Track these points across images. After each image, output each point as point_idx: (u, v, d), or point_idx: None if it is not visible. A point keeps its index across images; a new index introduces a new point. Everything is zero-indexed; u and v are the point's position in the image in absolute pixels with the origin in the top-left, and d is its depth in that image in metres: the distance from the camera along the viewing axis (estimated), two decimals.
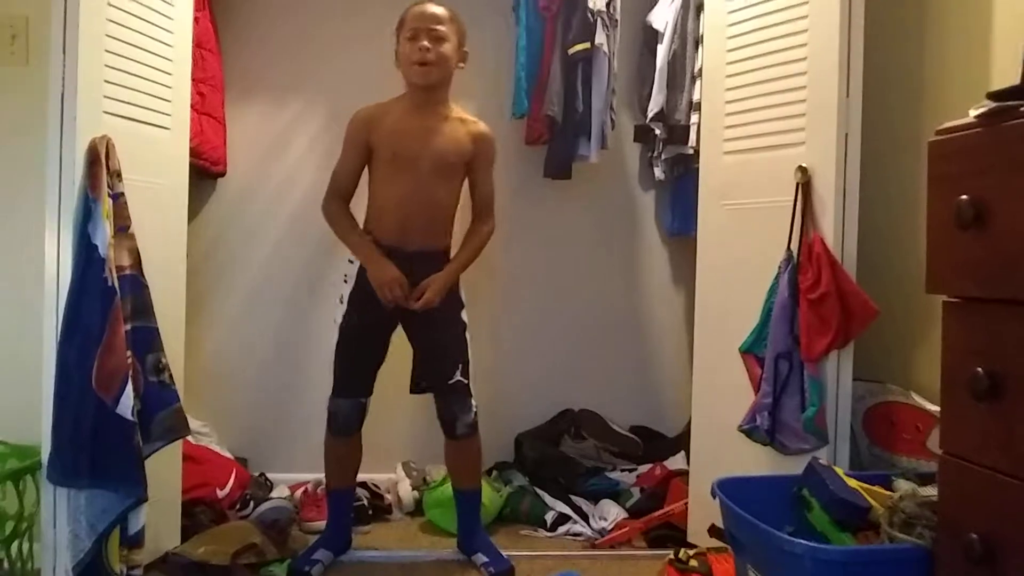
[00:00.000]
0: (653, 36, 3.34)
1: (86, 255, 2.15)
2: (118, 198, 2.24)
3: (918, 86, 2.53)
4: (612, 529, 2.88)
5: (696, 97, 3.08)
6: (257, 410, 3.38)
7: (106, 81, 2.28)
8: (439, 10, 2.60)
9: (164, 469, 2.47)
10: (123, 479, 2.17)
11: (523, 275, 3.50)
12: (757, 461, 2.44)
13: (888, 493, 1.90)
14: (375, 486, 3.14)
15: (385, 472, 3.25)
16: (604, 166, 3.37)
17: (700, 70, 3.03)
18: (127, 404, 2.15)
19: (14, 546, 2.32)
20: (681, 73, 3.17)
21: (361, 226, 2.65)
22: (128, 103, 2.37)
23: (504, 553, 2.66)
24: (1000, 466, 1.39)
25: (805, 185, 2.38)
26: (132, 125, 2.39)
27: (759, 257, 2.50)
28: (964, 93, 2.20)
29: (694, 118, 3.09)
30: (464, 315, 2.68)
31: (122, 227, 2.25)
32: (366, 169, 2.66)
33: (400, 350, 2.68)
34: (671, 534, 2.80)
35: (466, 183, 2.72)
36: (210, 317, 3.33)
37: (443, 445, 2.69)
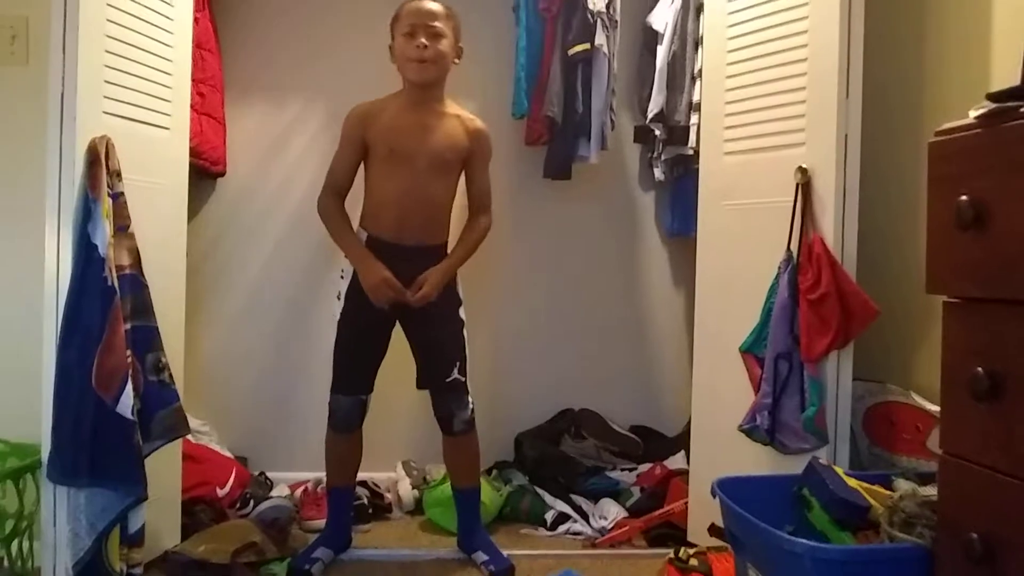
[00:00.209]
0: (653, 37, 3.34)
1: (86, 255, 2.15)
2: (118, 198, 2.24)
3: (918, 87, 2.53)
4: (612, 528, 2.88)
5: (696, 98, 3.09)
6: (257, 409, 3.38)
7: (106, 81, 2.28)
8: (435, 6, 2.60)
9: (164, 468, 2.48)
10: (123, 478, 2.18)
11: (523, 275, 3.50)
12: (757, 461, 2.45)
13: (888, 493, 1.90)
14: (375, 485, 3.14)
15: (385, 471, 3.25)
16: (604, 167, 3.37)
17: (700, 71, 3.04)
18: (127, 403, 2.15)
19: (14, 544, 2.33)
20: (681, 74, 3.17)
21: (358, 221, 2.65)
22: (128, 103, 2.37)
23: (504, 552, 2.66)
24: (1000, 466, 1.39)
25: (805, 186, 2.39)
26: (132, 125, 2.39)
27: (759, 257, 2.50)
28: (964, 94, 2.20)
29: (694, 119, 3.10)
30: (462, 312, 2.68)
31: (122, 227, 2.25)
32: (363, 165, 2.66)
33: (401, 348, 2.68)
34: (671, 533, 2.80)
35: (462, 179, 2.72)
36: (210, 316, 3.33)
37: (442, 445, 2.69)
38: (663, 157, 3.30)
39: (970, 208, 1.42)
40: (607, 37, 3.17)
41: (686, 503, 2.81)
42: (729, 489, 2.03)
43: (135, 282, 2.27)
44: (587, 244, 3.55)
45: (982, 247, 1.42)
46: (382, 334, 2.66)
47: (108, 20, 2.28)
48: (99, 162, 2.18)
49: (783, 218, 2.42)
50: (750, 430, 2.44)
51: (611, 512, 2.97)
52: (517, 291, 3.49)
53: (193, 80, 2.78)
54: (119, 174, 2.25)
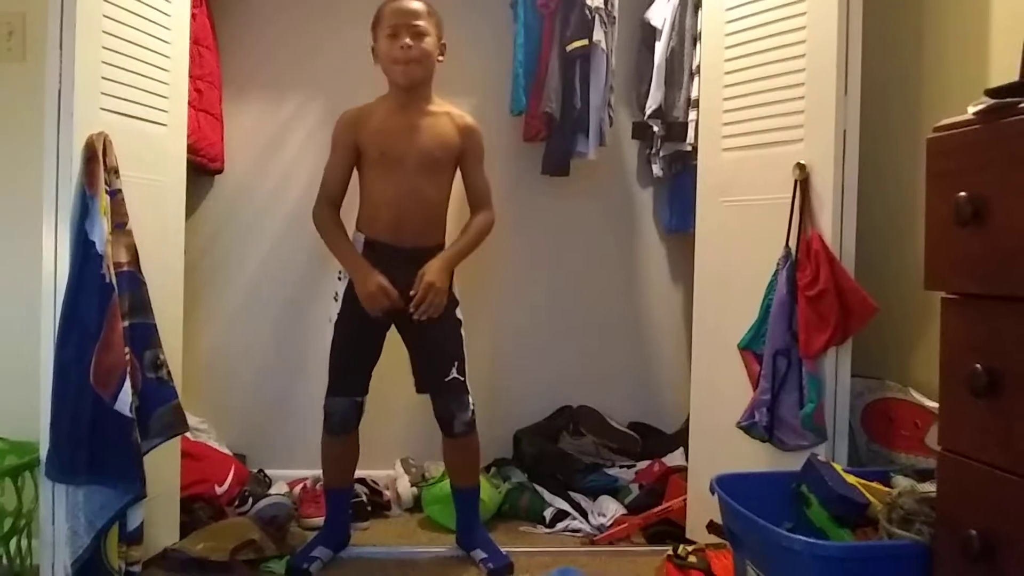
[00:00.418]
0: (651, 33, 3.33)
1: (83, 251, 2.15)
2: (115, 195, 2.24)
3: (916, 83, 2.53)
4: (611, 525, 2.88)
5: (694, 94, 3.08)
6: (256, 406, 3.38)
7: (103, 78, 2.28)
8: (417, 5, 2.58)
9: (162, 465, 2.47)
10: (121, 475, 2.18)
11: (522, 271, 3.50)
12: (756, 457, 2.45)
13: (887, 489, 1.90)
14: (374, 482, 3.14)
15: (384, 468, 3.25)
16: (602, 163, 3.37)
17: (698, 67, 3.03)
18: (125, 400, 2.15)
19: (13, 542, 2.33)
20: (679, 70, 3.17)
21: (354, 224, 2.65)
22: (125, 100, 2.37)
23: (503, 549, 2.66)
24: (999, 462, 1.39)
25: (803, 182, 2.38)
26: (129, 121, 2.39)
27: (757, 254, 2.50)
28: (962, 90, 2.20)
29: (692, 115, 3.09)
30: (459, 312, 2.66)
31: (120, 224, 2.25)
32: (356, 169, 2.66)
33: (399, 346, 2.68)
34: (670, 530, 2.80)
35: (459, 177, 2.71)
36: (208, 313, 3.33)
37: (441, 443, 2.68)
38: (661, 153, 3.30)
39: (969, 204, 1.42)
40: (605, 33, 3.16)
41: (685, 500, 2.81)
42: (728, 486, 2.03)
43: (133, 279, 2.27)
44: (585, 240, 3.54)
45: (981, 243, 1.42)
46: (378, 336, 2.65)
47: (105, 16, 2.28)
48: (96, 159, 2.18)
49: (781, 214, 2.42)
50: (748, 427, 2.44)
51: (610, 509, 2.97)
52: (515, 288, 3.49)
53: (191, 76, 2.77)
54: (116, 171, 2.25)
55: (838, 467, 2.04)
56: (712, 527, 2.38)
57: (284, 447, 3.32)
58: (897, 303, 2.44)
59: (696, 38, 3.11)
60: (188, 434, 2.75)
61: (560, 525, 2.95)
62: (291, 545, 2.68)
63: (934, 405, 2.18)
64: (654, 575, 2.56)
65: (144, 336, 2.30)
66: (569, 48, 3.16)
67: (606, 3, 3.16)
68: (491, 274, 3.32)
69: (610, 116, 3.27)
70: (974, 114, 1.45)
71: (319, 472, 2.79)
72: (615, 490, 3.14)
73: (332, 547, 2.66)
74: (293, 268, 3.39)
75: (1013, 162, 1.36)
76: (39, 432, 2.17)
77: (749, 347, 2.51)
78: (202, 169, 3.12)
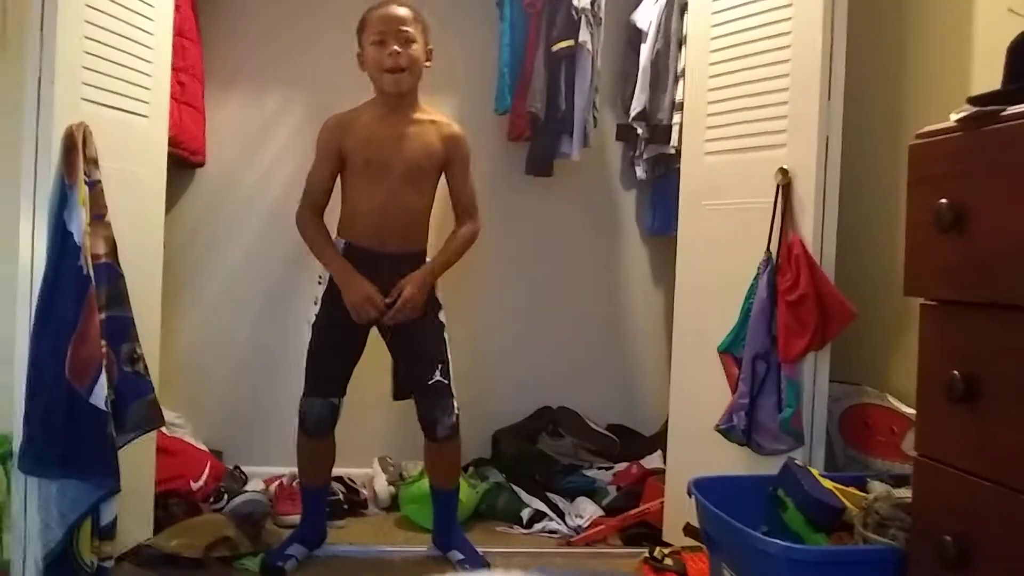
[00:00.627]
0: (637, 35, 3.34)
1: (61, 242, 2.13)
2: (95, 186, 2.22)
3: (899, 90, 2.54)
4: (588, 527, 2.88)
5: (679, 97, 3.08)
6: (233, 402, 3.36)
7: (84, 67, 2.26)
8: (403, 11, 2.55)
9: (138, 460, 2.46)
10: (95, 469, 2.16)
11: (503, 271, 3.49)
12: (733, 461, 2.45)
13: (862, 494, 1.91)
14: (351, 481, 3.13)
15: (361, 467, 3.24)
16: (586, 164, 3.37)
17: (683, 70, 3.03)
18: (100, 394, 2.13)
19: None
20: (664, 73, 3.18)
21: (335, 229, 2.63)
22: (107, 90, 2.35)
23: (479, 550, 2.65)
24: (975, 469, 1.39)
25: (785, 187, 2.39)
26: (110, 112, 2.37)
27: (738, 258, 2.50)
28: (945, 97, 2.21)
29: (676, 118, 3.09)
30: (442, 316, 2.65)
31: (98, 215, 2.23)
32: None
33: (378, 346, 2.66)
34: (646, 532, 2.81)
35: (443, 184, 2.69)
36: (186, 308, 3.30)
37: (422, 444, 2.67)
38: (645, 156, 3.30)
39: (950, 211, 1.43)
40: (591, 34, 3.16)
41: (662, 503, 2.81)
42: (705, 489, 2.03)
43: (111, 271, 2.25)
44: (567, 242, 3.54)
45: (961, 250, 1.42)
46: (357, 340, 2.62)
47: (88, 6, 2.26)
48: (76, 149, 2.16)
49: (763, 219, 2.42)
50: (727, 430, 2.45)
51: (587, 511, 2.97)
52: (496, 287, 3.49)
53: (173, 68, 2.76)
54: (96, 161, 2.23)
55: (815, 472, 2.04)
56: (689, 530, 2.38)
57: (261, 444, 3.29)
58: (875, 309, 2.46)
59: (682, 41, 3.11)
60: (164, 429, 2.73)
61: (537, 526, 2.95)
62: (266, 543, 2.66)
63: (911, 411, 2.19)
64: None
65: (121, 329, 2.28)
66: (555, 48, 3.16)
67: (592, 4, 3.16)
68: (472, 273, 3.31)
69: (594, 117, 3.27)
70: (956, 121, 1.46)
71: (296, 470, 2.77)
72: (593, 492, 3.14)
73: (308, 545, 2.65)
74: (273, 264, 3.37)
75: (995, 170, 1.37)
76: (13, 424, 2.14)
77: (729, 350, 2.51)
78: (183, 162, 3.10)
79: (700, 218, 2.72)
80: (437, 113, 2.68)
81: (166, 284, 2.70)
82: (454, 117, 2.79)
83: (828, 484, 1.97)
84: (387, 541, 2.84)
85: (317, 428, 2.60)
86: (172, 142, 2.81)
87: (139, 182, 2.52)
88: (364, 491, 3.15)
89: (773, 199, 2.41)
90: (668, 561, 2.47)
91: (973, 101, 1.43)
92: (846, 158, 2.35)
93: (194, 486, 2.90)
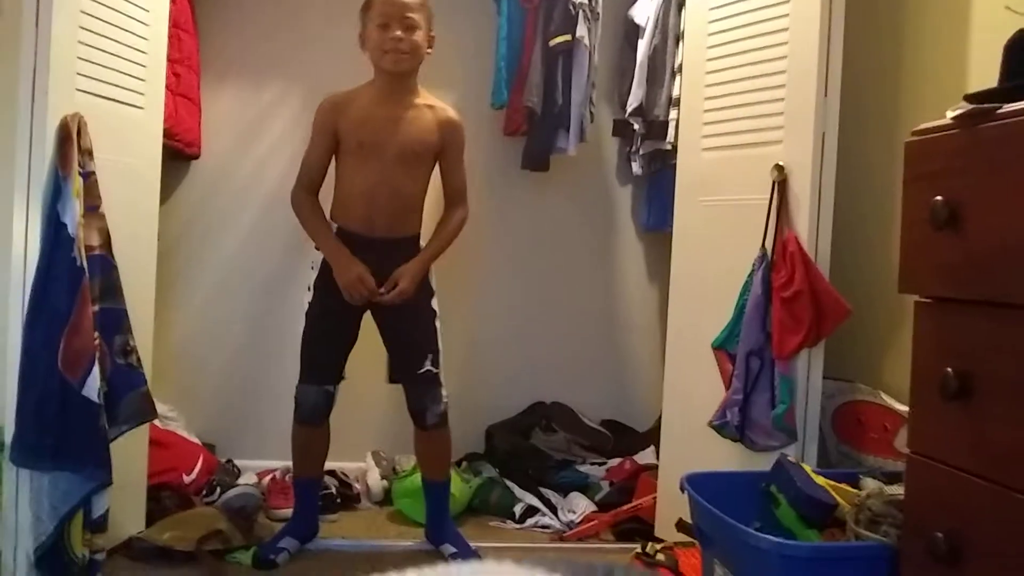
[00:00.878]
0: (634, 30, 3.33)
1: (55, 233, 2.12)
2: (89, 177, 2.21)
3: (895, 87, 2.54)
4: (580, 522, 2.89)
5: (675, 93, 3.08)
6: (226, 395, 3.35)
7: (79, 58, 2.25)
8: None
9: (130, 453, 2.45)
10: (87, 462, 2.15)
11: (498, 266, 3.49)
12: (726, 457, 2.45)
13: (855, 491, 1.91)
14: (344, 475, 3.12)
15: (354, 461, 3.23)
16: (582, 159, 3.37)
17: (680, 66, 3.03)
18: (93, 386, 2.13)
19: None
20: (661, 68, 3.17)
21: (328, 213, 2.63)
22: (102, 81, 2.34)
23: (472, 544, 2.65)
24: (967, 466, 1.40)
25: (781, 183, 2.39)
26: (105, 103, 2.36)
27: (733, 254, 2.50)
28: (941, 94, 2.22)
29: (673, 114, 3.10)
30: (435, 303, 2.65)
31: (92, 206, 2.22)
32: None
33: (372, 337, 2.66)
34: (639, 528, 2.81)
35: (437, 170, 2.69)
36: (180, 300, 3.30)
37: (413, 435, 2.67)
38: (641, 151, 3.30)
39: (945, 208, 1.43)
40: (588, 29, 3.16)
41: (654, 498, 2.81)
42: (698, 485, 2.03)
43: (105, 263, 2.25)
44: (563, 237, 3.54)
45: (956, 248, 1.43)
46: (351, 325, 2.63)
47: None
48: (70, 140, 2.15)
49: (759, 215, 2.42)
50: (720, 426, 2.45)
51: (580, 506, 2.98)
52: (491, 282, 3.48)
53: (169, 60, 2.75)
54: (91, 153, 2.22)
55: (807, 468, 2.04)
56: (681, 525, 2.38)
57: (254, 437, 3.29)
58: (869, 306, 2.46)
59: (679, 37, 3.10)
60: (157, 422, 2.72)
61: (530, 521, 2.95)
62: (258, 536, 2.66)
63: (904, 408, 2.20)
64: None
65: (114, 321, 2.27)
66: (552, 43, 3.15)
67: None
68: (467, 267, 3.31)
69: (591, 112, 3.27)
70: (953, 119, 1.46)
71: (289, 463, 2.77)
72: (586, 487, 3.14)
73: (300, 538, 2.65)
74: (267, 257, 3.36)
75: (991, 167, 1.37)
76: (5, 416, 2.14)
77: (723, 347, 2.51)
78: (178, 154, 3.09)
79: (696, 214, 2.72)
80: (435, 99, 2.68)
81: (160, 276, 2.69)
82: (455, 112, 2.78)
83: (821, 480, 1.97)
84: (379, 535, 2.84)
85: (312, 416, 2.60)
86: (167, 134, 2.81)
87: (134, 173, 2.52)
88: (357, 485, 3.15)
89: (769, 195, 2.41)
90: (660, 556, 2.47)
91: (969, 99, 1.43)
92: (842, 155, 2.35)
93: (186, 479, 2.90)
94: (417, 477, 2.80)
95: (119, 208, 2.35)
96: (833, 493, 1.92)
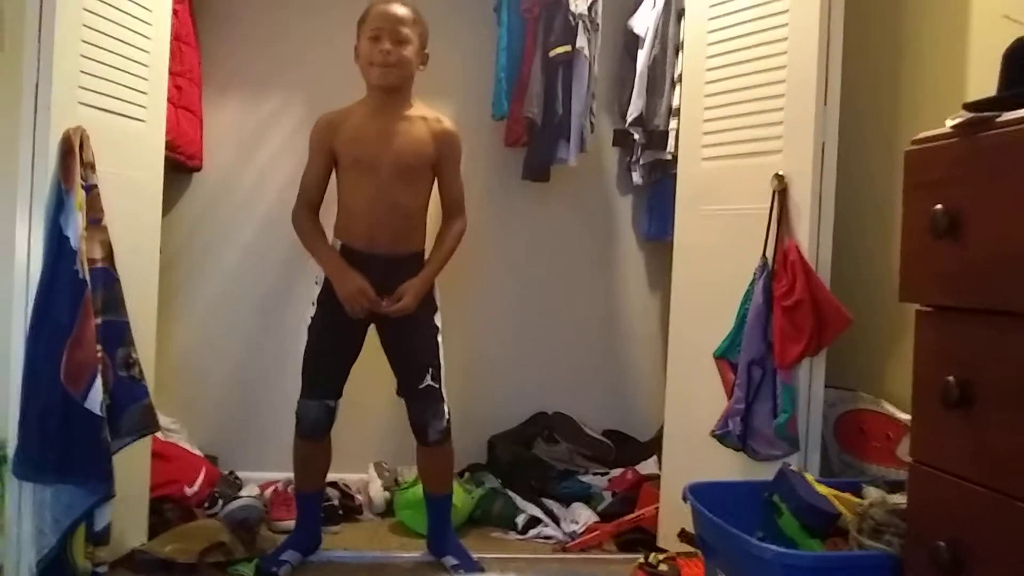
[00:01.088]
0: (634, 41, 3.34)
1: (57, 246, 2.13)
2: (91, 190, 2.22)
3: (895, 96, 2.55)
4: (583, 532, 2.88)
5: (675, 103, 3.09)
6: (228, 407, 3.35)
7: (82, 72, 2.26)
8: (403, 11, 2.56)
9: (132, 465, 2.45)
10: (90, 474, 2.15)
11: (499, 276, 3.49)
12: (729, 466, 2.45)
13: (858, 500, 1.91)
14: (346, 486, 3.12)
15: (357, 472, 3.23)
16: (583, 170, 3.37)
17: (680, 76, 3.04)
18: (96, 398, 2.13)
19: None
20: (661, 78, 3.18)
21: (332, 231, 2.63)
22: (104, 94, 2.35)
23: (474, 555, 2.64)
24: (969, 474, 1.40)
25: (781, 193, 2.40)
26: (108, 116, 2.37)
27: (734, 263, 2.51)
28: (941, 103, 2.22)
29: (673, 124, 3.11)
30: (437, 319, 2.65)
31: (95, 219, 2.23)
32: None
33: (376, 349, 2.66)
34: (642, 538, 2.81)
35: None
36: (182, 312, 3.30)
37: (415, 449, 2.67)
38: (641, 161, 3.30)
39: (945, 217, 1.43)
40: (588, 40, 3.17)
41: (657, 508, 2.81)
42: (700, 494, 2.03)
43: (107, 276, 2.25)
44: (564, 247, 3.55)
45: (956, 256, 1.43)
46: (354, 340, 2.63)
47: (85, 9, 2.26)
48: (73, 153, 2.16)
49: (759, 224, 2.43)
50: (722, 436, 2.45)
51: (582, 516, 2.97)
52: (493, 293, 3.48)
53: (170, 73, 2.75)
54: (93, 166, 2.23)
55: (810, 477, 2.04)
56: (684, 535, 2.38)
57: (256, 449, 3.29)
58: (871, 315, 2.46)
59: (679, 47, 3.11)
60: (159, 434, 2.72)
61: (532, 532, 2.94)
62: (261, 548, 2.65)
63: (906, 417, 2.19)
64: None
65: (117, 334, 2.27)
66: (552, 54, 3.16)
67: (590, 10, 3.16)
68: (468, 278, 3.31)
69: (591, 123, 3.27)
70: (952, 127, 1.46)
71: (291, 475, 2.76)
72: (588, 497, 3.14)
73: (302, 551, 2.64)
74: (269, 269, 3.36)
75: (990, 176, 1.37)
76: (7, 429, 2.14)
77: (724, 356, 2.51)
78: (180, 167, 3.09)
79: (696, 223, 2.72)
80: (429, 109, 2.67)
81: (162, 288, 2.69)
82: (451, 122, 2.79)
83: (823, 490, 1.97)
84: (382, 547, 2.83)
85: (313, 430, 2.60)
86: (169, 146, 2.81)
87: (136, 186, 2.52)
88: (359, 496, 3.14)
89: (769, 205, 2.41)
90: (663, 567, 2.46)
91: (969, 107, 1.44)
92: (842, 164, 2.35)
93: (189, 491, 2.89)
94: (419, 489, 2.79)
95: (121, 221, 2.35)
96: (836, 502, 1.92)
